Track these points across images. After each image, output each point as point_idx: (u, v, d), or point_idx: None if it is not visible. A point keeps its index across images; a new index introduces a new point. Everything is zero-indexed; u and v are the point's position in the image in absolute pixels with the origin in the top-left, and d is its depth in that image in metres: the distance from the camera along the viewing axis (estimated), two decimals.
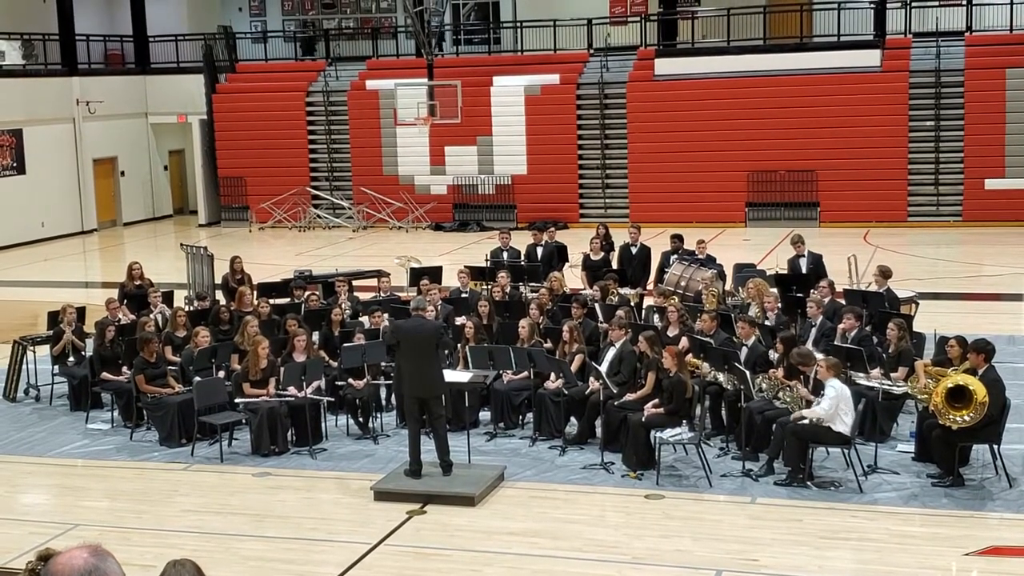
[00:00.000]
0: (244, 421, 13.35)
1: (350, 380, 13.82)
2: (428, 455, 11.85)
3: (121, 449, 13.51)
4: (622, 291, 16.92)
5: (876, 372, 12.90)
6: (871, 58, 30.37)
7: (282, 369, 13.47)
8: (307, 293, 17.03)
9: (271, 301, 16.62)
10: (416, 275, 18.41)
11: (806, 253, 17.74)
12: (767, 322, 14.41)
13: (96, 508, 11.84)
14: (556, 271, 18.06)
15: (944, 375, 11.73)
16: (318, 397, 13.39)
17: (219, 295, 18.58)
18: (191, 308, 17.39)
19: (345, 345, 14.23)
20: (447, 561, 10.19)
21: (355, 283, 18.58)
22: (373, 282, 18.97)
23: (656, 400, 12.25)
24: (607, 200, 32.00)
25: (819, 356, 12.46)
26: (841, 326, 13.71)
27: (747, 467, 11.95)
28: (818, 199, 30.27)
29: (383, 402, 14.28)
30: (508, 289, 17.02)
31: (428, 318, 12.32)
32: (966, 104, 29.42)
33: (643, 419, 12.08)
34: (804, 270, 17.41)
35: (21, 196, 31.28)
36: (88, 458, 13.32)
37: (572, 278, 19.16)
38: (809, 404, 11.80)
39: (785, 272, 17.84)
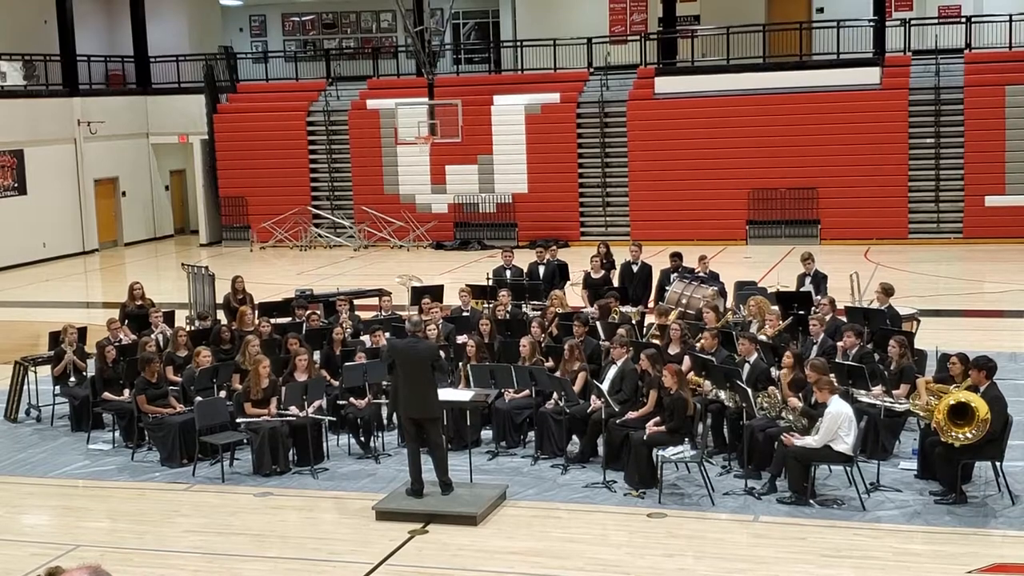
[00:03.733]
0: (245, 441, 13.33)
1: (351, 399, 13.81)
2: (429, 474, 11.83)
3: (122, 469, 13.49)
4: (623, 309, 16.92)
5: (878, 389, 12.88)
6: (871, 76, 30.45)
7: (283, 388, 13.45)
8: (308, 312, 17.02)
9: (272, 320, 16.60)
10: (417, 294, 18.42)
11: (812, 272, 17.74)
12: (765, 338, 14.40)
13: (97, 529, 11.82)
14: (557, 289, 18.05)
15: (946, 392, 11.72)
16: (319, 416, 13.37)
17: (220, 315, 18.57)
18: (192, 328, 17.39)
19: (346, 364, 14.22)
20: None
21: (356, 302, 18.59)
22: (374, 301, 18.98)
23: (658, 418, 12.24)
24: (608, 218, 32.03)
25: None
26: (841, 344, 13.69)
27: (749, 485, 11.93)
28: (819, 216, 30.30)
29: (384, 421, 14.26)
30: (509, 307, 17.02)
31: (427, 339, 12.22)
32: (966, 121, 29.49)
33: (645, 437, 12.06)
34: (805, 287, 17.42)
35: (22, 216, 31.33)
36: (89, 478, 13.29)
37: (573, 296, 19.16)
38: (812, 420, 11.76)
39: (787, 289, 17.84)
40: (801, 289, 17.48)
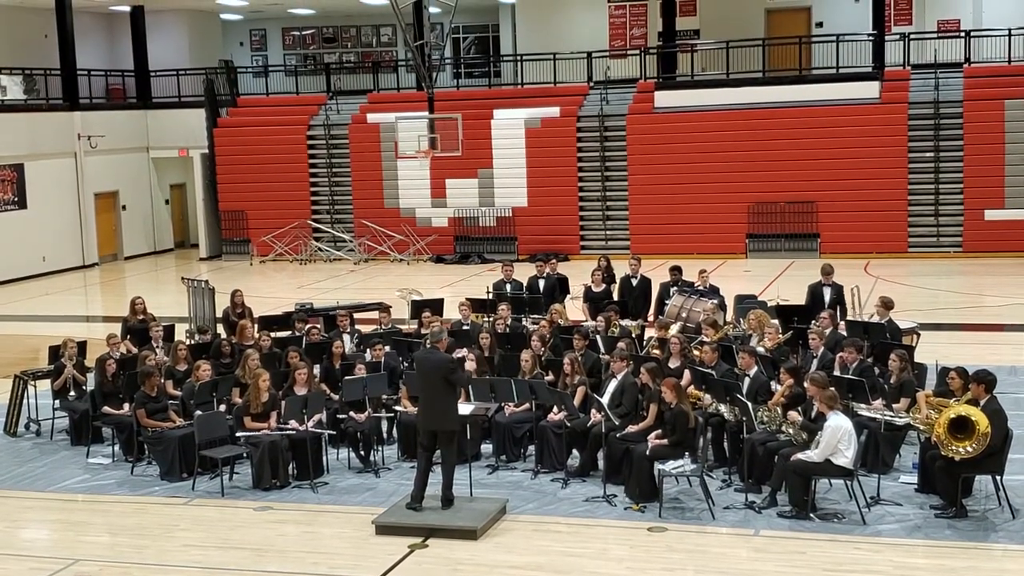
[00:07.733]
0: (245, 455, 13.32)
1: (351, 413, 13.80)
2: (433, 488, 11.79)
3: (122, 483, 13.47)
4: (623, 323, 16.92)
5: (878, 403, 12.88)
6: (870, 90, 30.50)
7: (283, 402, 13.45)
8: (308, 326, 17.02)
9: (272, 334, 16.58)
10: (417, 308, 18.41)
11: (831, 283, 17.59)
12: (764, 351, 14.37)
13: (97, 543, 11.80)
14: (557, 303, 18.05)
15: (946, 406, 11.72)
16: (319, 430, 13.36)
17: (220, 328, 18.56)
18: (192, 342, 17.38)
19: (346, 378, 14.21)
20: None
21: (356, 316, 18.58)
22: (374, 315, 18.97)
23: (658, 432, 12.23)
24: (608, 232, 32.05)
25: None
26: (841, 355, 13.67)
27: (750, 499, 11.92)
28: (818, 230, 30.32)
29: (384, 435, 14.26)
30: (509, 321, 17.02)
31: (441, 351, 12.15)
32: (965, 135, 29.53)
33: (646, 451, 12.05)
34: (826, 299, 17.25)
35: (22, 230, 31.34)
36: (89, 493, 13.28)
37: (573, 310, 19.16)
38: (812, 434, 11.74)
39: (787, 303, 17.82)
40: (815, 299, 17.31)
